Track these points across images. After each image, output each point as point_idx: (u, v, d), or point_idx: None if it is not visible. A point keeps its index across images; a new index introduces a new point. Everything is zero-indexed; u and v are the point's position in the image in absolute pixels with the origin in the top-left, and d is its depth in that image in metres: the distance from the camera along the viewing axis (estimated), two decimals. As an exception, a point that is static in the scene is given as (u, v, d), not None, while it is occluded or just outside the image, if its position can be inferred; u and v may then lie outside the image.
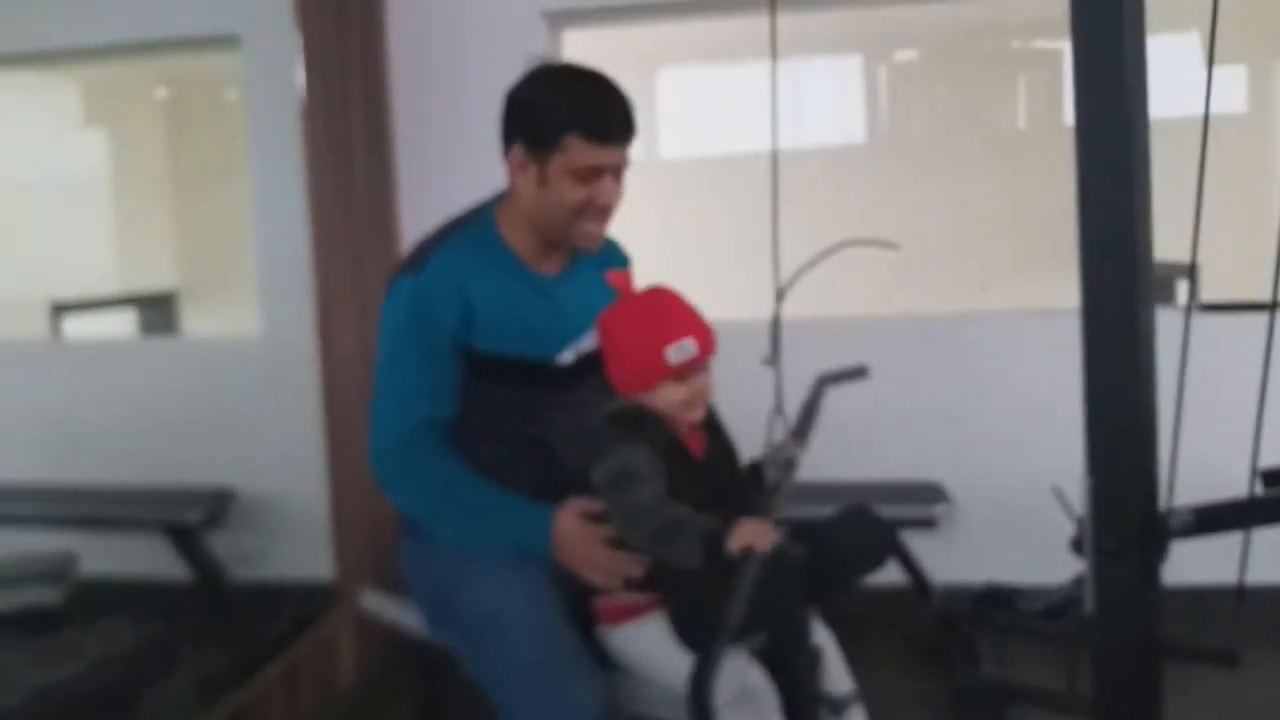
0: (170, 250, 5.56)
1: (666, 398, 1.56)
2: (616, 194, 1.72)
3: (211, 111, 5.49)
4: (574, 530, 1.64)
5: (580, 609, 1.67)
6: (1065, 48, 3.96)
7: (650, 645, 1.57)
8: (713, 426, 1.65)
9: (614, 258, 1.95)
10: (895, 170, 4.68)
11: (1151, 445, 1.20)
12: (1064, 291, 4.37)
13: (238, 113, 5.27)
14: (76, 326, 4.85)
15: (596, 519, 1.63)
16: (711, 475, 1.60)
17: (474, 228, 1.78)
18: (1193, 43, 3.89)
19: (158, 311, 5.45)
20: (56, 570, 2.41)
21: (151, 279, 5.48)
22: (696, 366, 1.56)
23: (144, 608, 2.91)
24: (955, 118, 4.89)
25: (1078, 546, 1.39)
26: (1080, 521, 1.35)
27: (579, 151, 1.65)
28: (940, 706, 2.62)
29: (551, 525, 1.65)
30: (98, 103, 5.32)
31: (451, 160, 3.28)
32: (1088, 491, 1.21)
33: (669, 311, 1.59)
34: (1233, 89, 4.43)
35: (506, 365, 1.74)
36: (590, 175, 1.66)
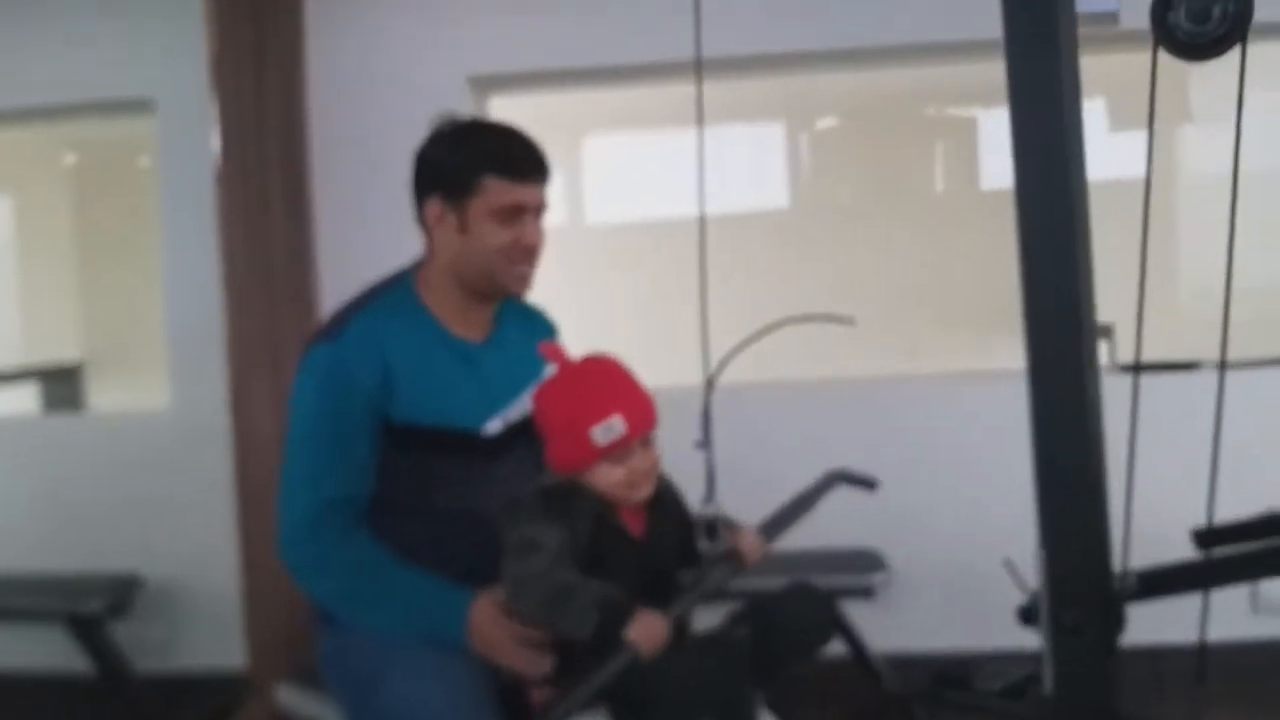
0: (76, 320, 5.38)
1: (604, 479, 1.48)
2: (540, 235, 1.68)
3: (121, 178, 5.35)
4: (489, 618, 1.55)
5: (513, 700, 1.57)
6: (979, 115, 4.06)
7: None
8: (661, 501, 1.56)
9: (540, 325, 1.89)
10: (819, 234, 4.72)
11: (1104, 511, 1.18)
12: (991, 354, 4.44)
13: (149, 179, 5.15)
14: (-24, 401, 4.63)
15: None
16: (650, 554, 1.53)
17: (393, 293, 1.72)
18: (1098, 108, 4.02)
19: (62, 385, 5.24)
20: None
21: (56, 350, 5.29)
22: (624, 446, 1.47)
23: (46, 703, 2.73)
24: (875, 182, 4.96)
25: (1025, 616, 1.35)
26: (1033, 593, 1.32)
27: (497, 191, 1.62)
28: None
29: (467, 613, 1.57)
30: (3, 167, 5.15)
31: (372, 228, 3.18)
32: (1041, 564, 1.18)
33: (597, 387, 1.52)
34: (1136, 154, 4.57)
35: (429, 436, 1.66)
36: (512, 215, 1.64)
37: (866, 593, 2.70)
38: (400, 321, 1.67)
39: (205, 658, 3.03)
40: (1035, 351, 1.16)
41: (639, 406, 1.50)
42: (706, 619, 1.58)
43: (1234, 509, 1.47)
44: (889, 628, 2.84)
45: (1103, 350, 3.13)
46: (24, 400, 5.08)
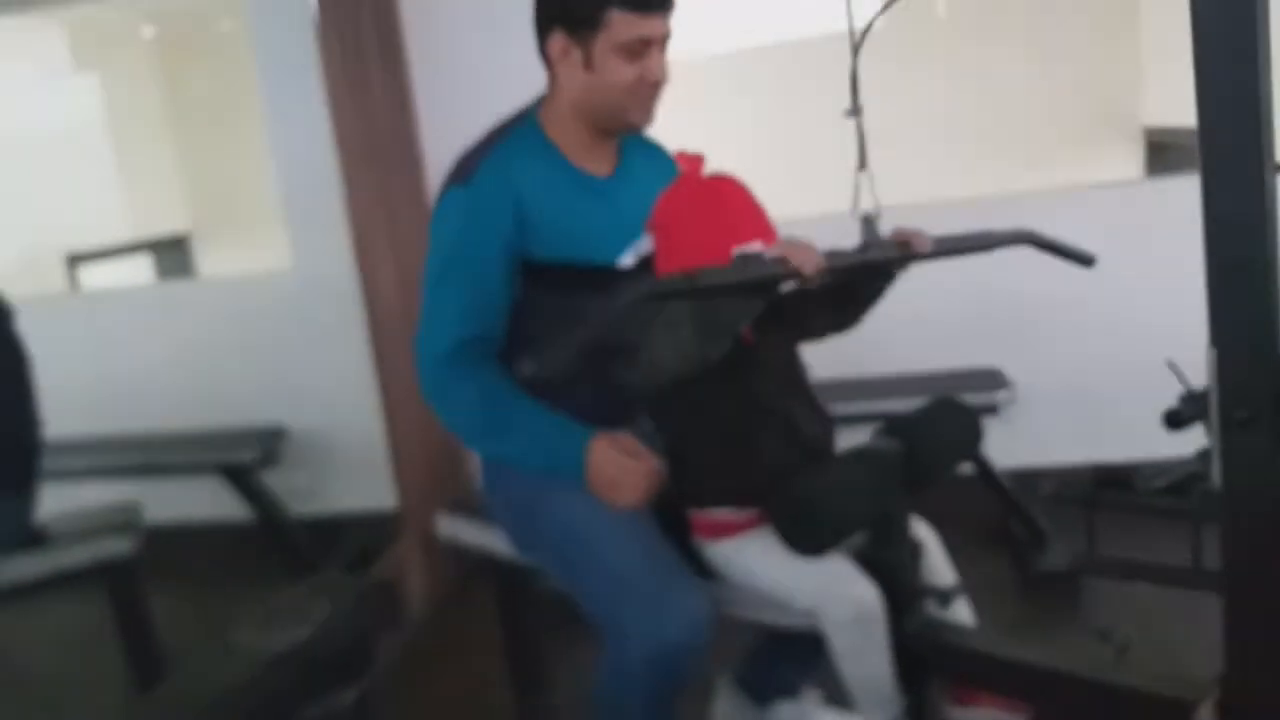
0: (178, 192, 5.49)
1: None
2: (664, 68, 1.67)
3: (203, 46, 5.36)
4: (607, 457, 1.61)
5: (673, 520, 1.65)
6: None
7: (752, 560, 1.55)
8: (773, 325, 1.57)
9: (660, 159, 1.87)
10: (919, 51, 4.53)
11: (1276, 311, 1.16)
12: (1106, 164, 4.28)
13: (232, 45, 5.16)
14: (93, 276, 4.81)
15: (631, 448, 1.61)
16: (768, 362, 1.56)
17: (520, 132, 1.72)
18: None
19: (172, 255, 5.40)
20: (124, 521, 2.40)
21: (163, 222, 5.42)
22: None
23: (213, 549, 2.94)
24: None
25: (1173, 420, 1.35)
26: (1183, 396, 1.32)
27: (623, 24, 1.59)
28: (1015, 590, 2.65)
29: (585, 449, 1.62)
30: (84, 47, 5.19)
31: (465, 70, 3.17)
32: (1212, 362, 1.17)
33: (738, 210, 1.51)
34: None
35: (566, 271, 1.69)
36: (638, 49, 1.62)
37: (990, 410, 2.71)
38: (530, 159, 1.68)
39: (355, 500, 3.20)
40: (1208, 146, 1.12)
41: (773, 235, 1.49)
42: (854, 437, 1.62)
43: None
44: (1013, 444, 2.86)
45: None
46: (136, 272, 5.27)
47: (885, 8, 1.64)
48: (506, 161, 1.66)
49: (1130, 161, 4.66)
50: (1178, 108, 4.29)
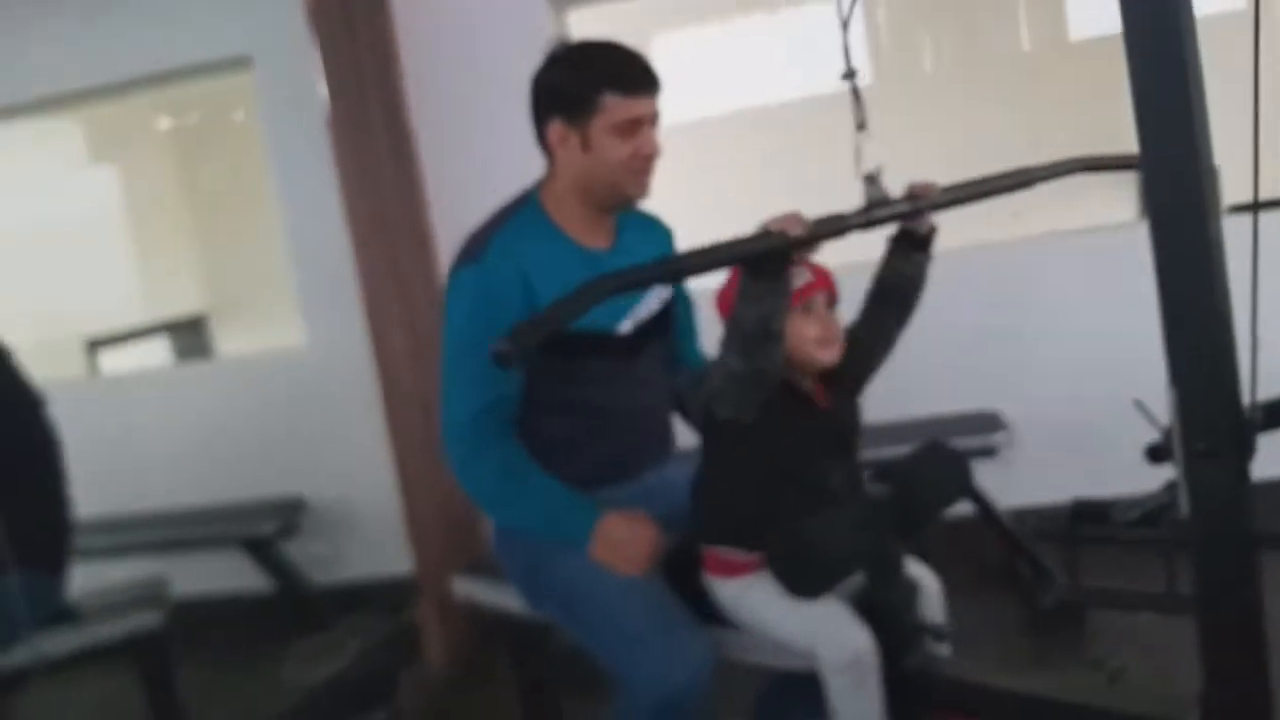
0: (193, 275, 5.62)
1: (796, 333, 1.56)
2: (656, 143, 1.79)
3: (217, 136, 5.53)
4: (616, 520, 1.73)
5: (679, 561, 1.73)
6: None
7: (758, 600, 1.62)
8: (841, 377, 1.67)
9: (657, 230, 2.01)
10: (906, 106, 4.66)
11: (1230, 350, 1.22)
12: (1092, 211, 4.37)
13: (245, 134, 5.33)
14: (112, 360, 4.93)
15: (638, 518, 1.72)
16: (833, 421, 1.66)
17: (523, 213, 1.84)
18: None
19: (189, 336, 5.51)
20: (152, 594, 2.47)
21: (179, 305, 5.55)
22: (812, 293, 1.58)
23: (236, 620, 3.00)
24: (958, 47, 4.86)
25: (1155, 455, 1.42)
26: (1164, 429, 1.39)
27: (616, 107, 1.72)
28: (1021, 627, 2.68)
29: (594, 525, 1.74)
30: (101, 140, 5.37)
31: (471, 152, 3.31)
32: (1173, 400, 1.24)
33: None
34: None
35: (571, 339, 1.78)
36: (631, 129, 1.74)
37: (989, 452, 2.78)
38: (533, 238, 1.79)
39: (373, 567, 3.27)
40: (1154, 194, 1.20)
41: (819, 270, 1.61)
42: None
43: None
44: (1011, 485, 2.92)
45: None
46: (154, 354, 5.39)
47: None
48: (513, 240, 1.78)
49: (1124, 206, 4.75)
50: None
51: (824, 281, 1.61)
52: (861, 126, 1.62)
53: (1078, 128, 4.76)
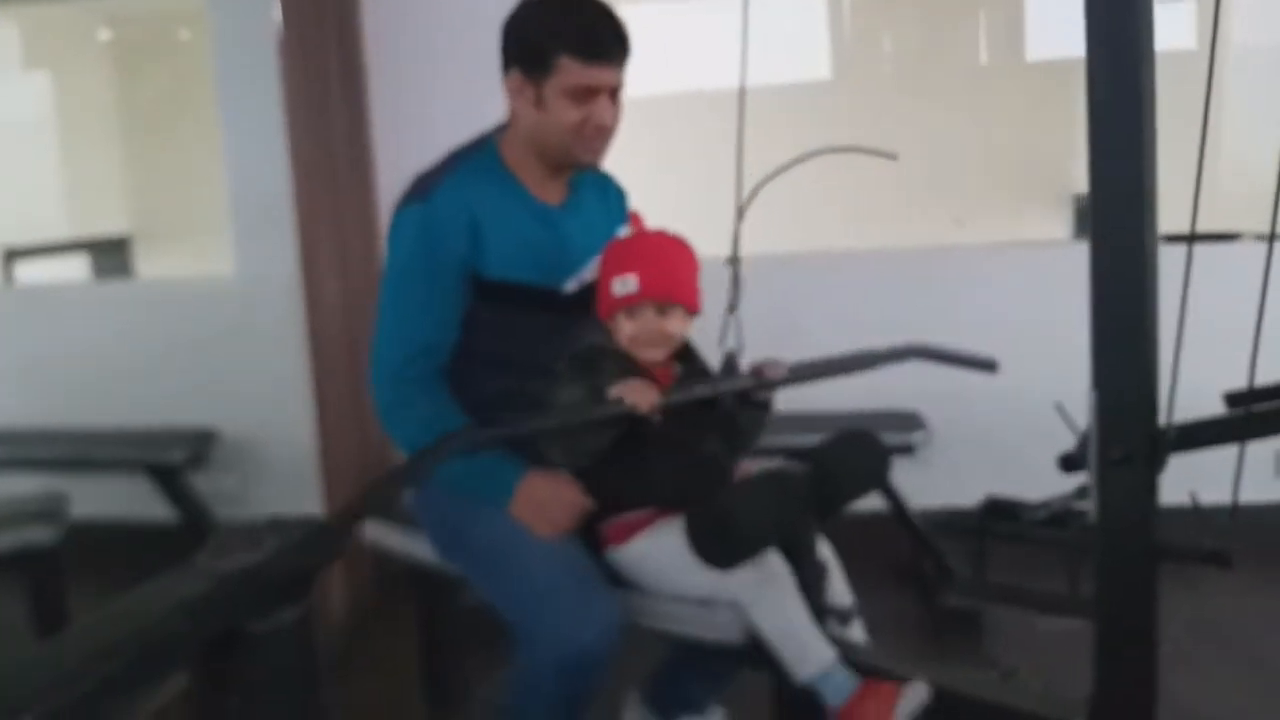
0: (121, 194, 5.45)
1: (619, 330, 1.67)
2: (613, 114, 1.75)
3: (159, 52, 5.36)
4: (541, 480, 1.71)
5: (587, 537, 1.73)
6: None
7: (661, 554, 1.63)
8: (691, 371, 1.72)
9: (611, 192, 1.99)
10: (860, 106, 4.71)
11: (1153, 365, 1.26)
12: (1032, 225, 4.44)
13: (188, 54, 5.17)
14: (29, 272, 4.77)
15: (564, 481, 1.70)
16: (675, 416, 1.65)
17: (478, 157, 1.80)
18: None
19: (111, 256, 5.36)
20: (49, 510, 2.40)
21: (103, 224, 5.38)
22: (634, 301, 1.64)
23: (134, 548, 2.91)
24: (918, 54, 4.92)
25: (1067, 464, 1.46)
26: (1079, 438, 1.42)
27: (571, 71, 1.68)
28: (922, 624, 2.74)
29: (516, 485, 1.72)
30: (37, 44, 5.17)
31: (423, 96, 3.25)
32: (1093, 405, 1.27)
33: (635, 251, 1.69)
34: (1182, 25, 4.51)
35: (514, 292, 1.78)
36: (585, 95, 1.70)
37: (907, 450, 2.82)
38: (486, 183, 1.76)
39: (282, 506, 3.19)
40: (1099, 209, 1.23)
41: (661, 274, 1.65)
42: (765, 464, 1.70)
43: (1269, 377, 1.52)
44: (927, 485, 2.97)
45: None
46: (73, 271, 5.22)
47: (772, 176, 1.71)
48: (465, 182, 1.75)
49: (1060, 225, 4.87)
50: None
51: (651, 291, 1.65)
52: (732, 309, 1.69)
53: (1025, 143, 4.87)
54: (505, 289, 1.77)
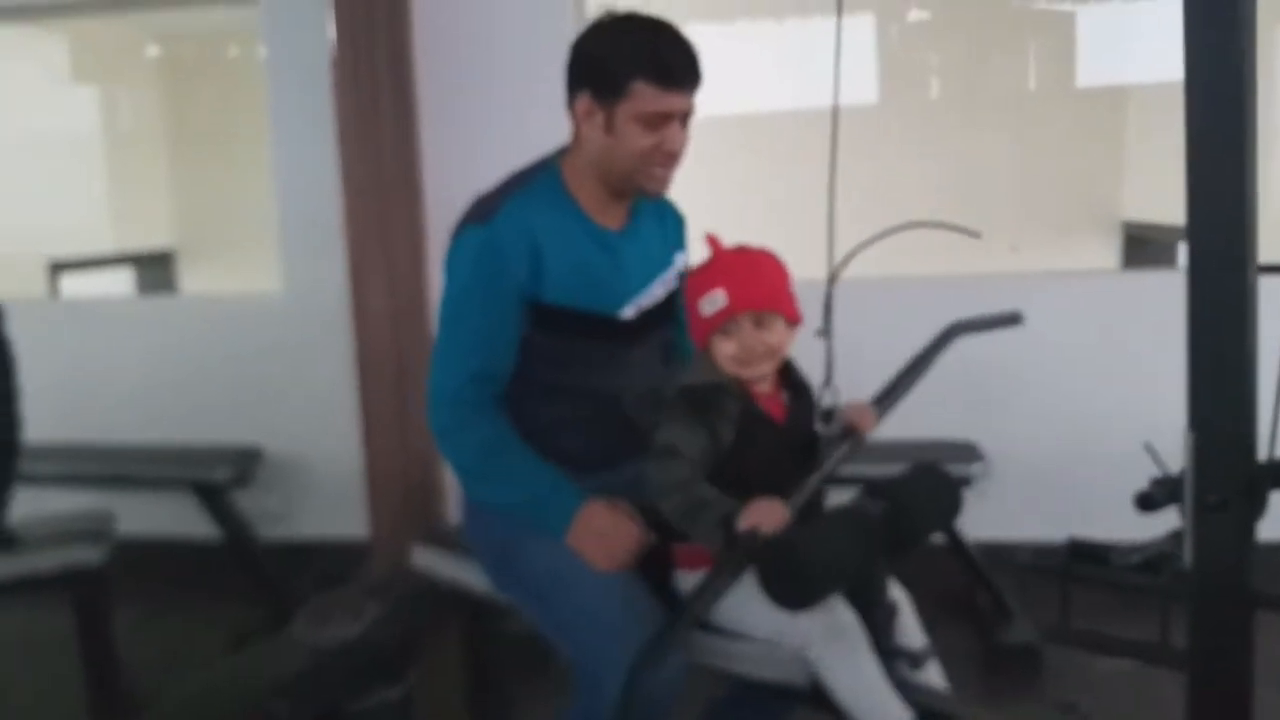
0: (166, 209, 5.50)
1: (719, 353, 1.57)
2: (683, 140, 1.71)
3: (207, 69, 5.42)
4: (600, 510, 1.66)
5: (653, 557, 1.68)
6: (1077, 9, 3.92)
7: (738, 602, 1.57)
8: (797, 389, 1.64)
9: (669, 216, 1.94)
10: (908, 132, 4.67)
11: (1252, 403, 1.21)
12: (1088, 254, 4.38)
13: (237, 70, 5.22)
14: (74, 285, 4.81)
15: (625, 512, 1.65)
16: (792, 436, 1.61)
17: (541, 180, 1.77)
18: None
19: (155, 270, 5.41)
20: (96, 529, 2.38)
21: (148, 238, 5.43)
22: (726, 317, 1.54)
23: (178, 566, 2.91)
24: (966, 79, 4.88)
25: (1144, 503, 1.40)
26: (1155, 479, 1.37)
27: (646, 97, 1.64)
28: (976, 661, 2.68)
29: (576, 512, 1.67)
30: (87, 58, 5.23)
31: (472, 115, 3.24)
32: (1189, 446, 1.22)
33: (717, 267, 1.59)
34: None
35: (572, 318, 1.74)
36: (657, 121, 1.66)
37: (965, 482, 2.76)
38: (548, 207, 1.73)
39: (326, 527, 3.19)
40: (1197, 241, 1.19)
41: (749, 284, 1.55)
42: (837, 498, 1.66)
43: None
44: (985, 519, 2.91)
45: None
46: (117, 284, 5.26)
47: (863, 246, 1.69)
48: (526, 206, 1.71)
49: (1107, 253, 4.80)
50: (1156, 205, 4.44)
51: (742, 303, 1.55)
52: (828, 382, 1.65)
53: (1074, 171, 4.81)
54: (563, 315, 1.73)
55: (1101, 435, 2.91)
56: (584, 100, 1.69)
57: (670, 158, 1.71)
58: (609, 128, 1.68)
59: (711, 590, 1.45)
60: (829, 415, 1.67)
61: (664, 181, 1.75)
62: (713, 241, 1.61)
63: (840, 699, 1.49)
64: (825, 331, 1.73)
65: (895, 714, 1.46)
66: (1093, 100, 4.77)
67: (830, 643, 1.48)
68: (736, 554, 1.44)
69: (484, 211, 1.72)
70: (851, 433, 1.64)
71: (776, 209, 4.03)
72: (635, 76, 1.63)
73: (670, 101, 1.65)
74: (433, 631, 1.00)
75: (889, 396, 1.71)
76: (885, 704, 1.47)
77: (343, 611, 0.98)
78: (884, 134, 4.67)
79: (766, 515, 1.45)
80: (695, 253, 1.78)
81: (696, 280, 1.61)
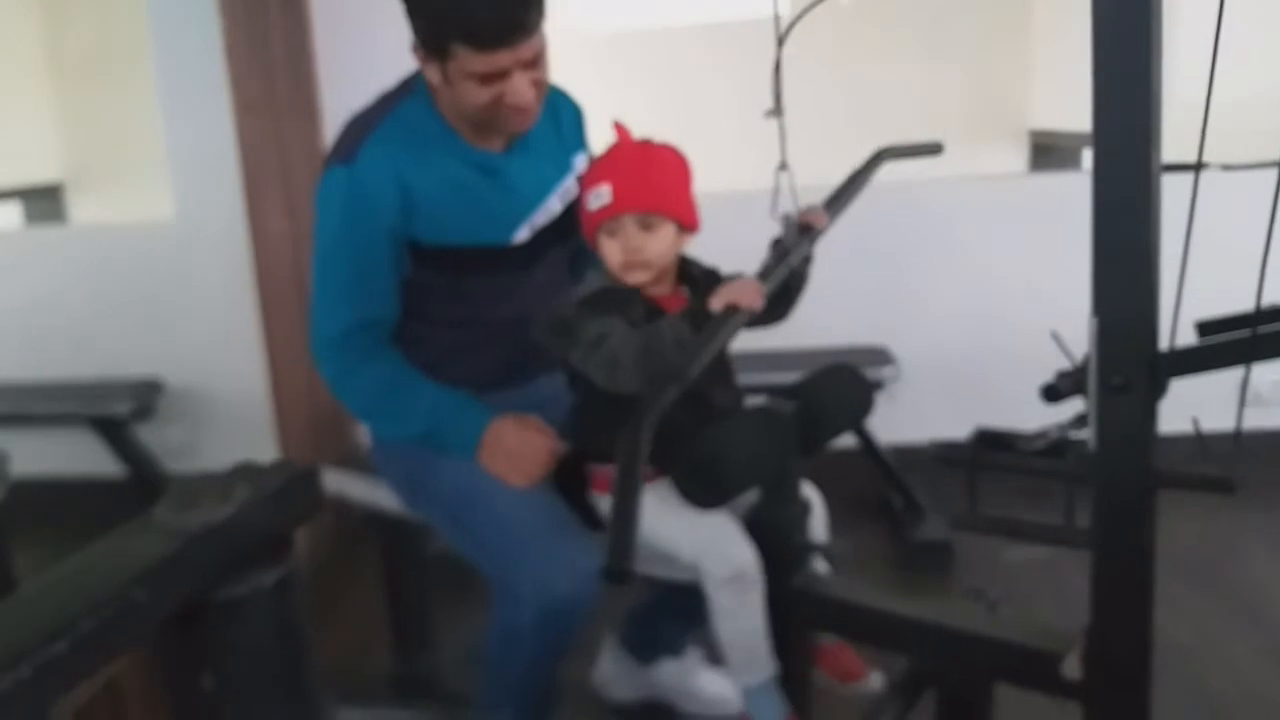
0: (51, 139, 5.23)
1: (606, 255, 1.51)
2: (528, 89, 1.54)
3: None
4: (509, 427, 1.63)
5: (568, 475, 1.65)
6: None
7: (647, 511, 1.56)
8: (694, 281, 1.59)
9: (565, 111, 1.81)
10: (817, 39, 4.62)
11: (1154, 290, 1.22)
12: (997, 161, 4.41)
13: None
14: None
15: (535, 425, 1.63)
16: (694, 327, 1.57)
17: (407, 106, 1.63)
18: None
19: (43, 203, 5.16)
20: (-9, 468, 2.28)
21: (33, 171, 5.17)
22: (610, 214, 1.48)
23: (82, 504, 2.80)
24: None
25: (1050, 394, 1.41)
26: (1061, 371, 1.38)
27: (468, 58, 1.49)
28: (891, 558, 2.74)
29: (487, 427, 1.63)
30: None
31: (369, 28, 3.10)
32: (1093, 330, 1.22)
33: (610, 159, 1.53)
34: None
35: (455, 255, 1.65)
36: (491, 78, 1.51)
37: (876, 386, 2.79)
38: (416, 138, 1.61)
39: (232, 456, 3.08)
40: (1101, 129, 1.18)
41: (638, 181, 1.49)
42: (751, 400, 1.65)
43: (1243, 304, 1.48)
44: (898, 421, 2.95)
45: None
46: (3, 219, 5.00)
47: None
48: (391, 140, 1.59)
49: (1016, 159, 4.85)
50: (1060, 113, 4.49)
51: (627, 202, 1.48)
52: (783, 166, 1.57)
53: (982, 77, 4.84)
54: (445, 253, 1.64)
55: (1009, 334, 2.96)
56: (419, 51, 1.56)
57: (516, 109, 1.56)
58: (446, 80, 1.55)
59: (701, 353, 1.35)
60: (786, 219, 1.60)
61: (523, 122, 1.61)
62: (620, 130, 1.55)
63: (720, 637, 1.51)
64: (777, 110, 1.60)
65: (764, 666, 1.50)
66: (997, 9, 4.80)
67: (726, 584, 1.48)
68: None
69: (347, 147, 1.60)
70: (808, 229, 1.59)
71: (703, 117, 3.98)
72: (452, 39, 1.48)
73: (496, 60, 1.49)
74: (309, 515, 0.95)
75: (834, 202, 1.68)
76: (759, 654, 1.50)
77: (210, 494, 0.92)
78: (792, 42, 4.62)
79: (743, 293, 1.38)
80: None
81: (590, 172, 1.54)
